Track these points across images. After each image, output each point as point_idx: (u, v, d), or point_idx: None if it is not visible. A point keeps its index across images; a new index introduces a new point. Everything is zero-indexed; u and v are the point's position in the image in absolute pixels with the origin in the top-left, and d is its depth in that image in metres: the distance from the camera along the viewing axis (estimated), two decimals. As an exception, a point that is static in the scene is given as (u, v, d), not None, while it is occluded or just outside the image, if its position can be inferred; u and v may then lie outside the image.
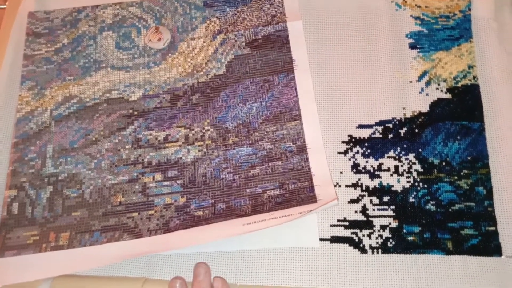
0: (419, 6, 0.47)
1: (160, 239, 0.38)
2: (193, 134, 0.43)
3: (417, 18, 0.46)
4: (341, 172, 0.42)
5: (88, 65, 0.46)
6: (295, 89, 0.44)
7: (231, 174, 0.41)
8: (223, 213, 0.39)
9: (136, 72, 0.46)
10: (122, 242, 0.39)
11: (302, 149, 0.42)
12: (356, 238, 0.39)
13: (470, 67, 0.44)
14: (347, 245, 0.39)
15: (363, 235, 0.39)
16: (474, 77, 0.43)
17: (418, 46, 0.45)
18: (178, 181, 0.41)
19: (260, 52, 0.45)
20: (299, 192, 0.39)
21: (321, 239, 0.39)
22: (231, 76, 0.45)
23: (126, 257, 0.37)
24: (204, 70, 0.45)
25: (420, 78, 0.44)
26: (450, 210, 0.40)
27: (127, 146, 0.43)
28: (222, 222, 0.38)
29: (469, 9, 0.46)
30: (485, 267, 0.38)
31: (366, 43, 0.46)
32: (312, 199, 0.39)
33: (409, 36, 0.46)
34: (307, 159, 0.41)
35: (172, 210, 0.40)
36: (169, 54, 0.46)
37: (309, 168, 0.41)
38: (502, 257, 0.38)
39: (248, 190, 0.40)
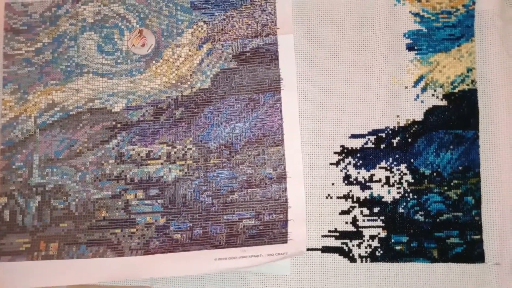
0: (419, 1, 0.43)
1: (139, 261, 0.41)
2: (175, 152, 0.43)
3: (416, 14, 0.43)
4: (332, 184, 0.42)
5: (70, 69, 0.45)
6: (280, 111, 0.43)
7: (210, 198, 0.42)
8: (199, 240, 0.41)
9: (119, 80, 0.44)
10: (106, 259, 0.41)
11: (282, 177, 0.42)
12: (346, 248, 0.42)
13: (469, 70, 0.42)
14: (337, 254, 0.42)
15: (353, 245, 0.42)
16: (473, 81, 0.42)
17: (416, 48, 0.43)
18: (159, 201, 0.43)
19: (247, 67, 0.43)
20: (272, 226, 0.41)
21: (312, 249, 0.42)
22: (216, 91, 0.44)
23: (110, 278, 0.41)
24: (189, 83, 0.44)
25: (416, 83, 0.43)
26: (438, 220, 0.41)
27: (110, 161, 0.43)
28: (197, 252, 0.40)
29: (473, 3, 0.43)
30: (467, 273, 0.41)
31: (361, 44, 0.43)
32: (283, 237, 0.40)
33: (407, 36, 0.43)
34: (286, 189, 0.42)
35: (153, 230, 0.42)
36: (153, 61, 0.44)
37: (286, 199, 0.42)
38: (486, 263, 0.40)
39: (225, 217, 0.42)
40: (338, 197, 0.42)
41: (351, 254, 0.42)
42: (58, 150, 0.44)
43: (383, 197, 0.42)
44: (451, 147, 0.42)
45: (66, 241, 0.43)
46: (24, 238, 0.43)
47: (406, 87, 0.43)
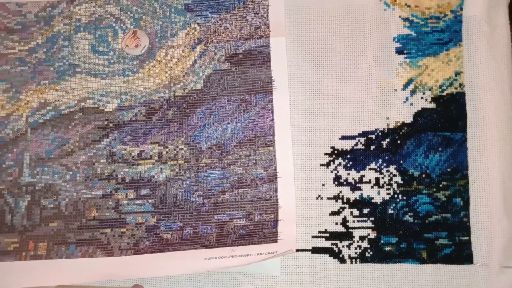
0: (409, 6, 0.44)
1: (129, 261, 0.41)
2: (166, 152, 0.43)
3: (406, 19, 0.44)
4: (323, 185, 0.43)
5: (64, 69, 0.45)
6: (272, 112, 0.43)
7: (201, 198, 0.42)
8: (189, 240, 0.41)
9: (112, 80, 0.45)
10: (95, 259, 0.41)
11: (272, 178, 0.42)
12: (336, 249, 0.42)
13: (457, 73, 0.43)
14: (327, 255, 0.42)
15: (343, 246, 0.42)
16: (461, 85, 0.43)
17: (405, 52, 0.44)
18: (150, 201, 0.42)
19: (239, 68, 0.44)
20: (263, 226, 0.41)
21: (302, 250, 0.42)
22: (209, 92, 0.44)
23: (99, 278, 0.40)
24: (182, 84, 0.44)
25: (405, 86, 0.43)
26: (427, 221, 0.41)
27: (101, 160, 0.43)
28: (186, 252, 0.40)
29: (461, 9, 0.44)
30: (456, 274, 0.41)
31: (352, 47, 0.44)
32: (273, 237, 0.40)
33: (396, 40, 0.44)
34: (276, 189, 0.42)
35: (143, 230, 0.42)
36: (147, 62, 0.45)
37: (277, 199, 0.42)
38: (475, 264, 0.41)
39: (215, 217, 0.42)
40: (328, 198, 0.43)
41: (341, 255, 0.42)
42: (49, 149, 0.44)
43: (372, 198, 0.42)
44: (440, 149, 0.42)
45: (55, 241, 0.42)
46: (13, 237, 0.42)
47: (396, 90, 0.43)
